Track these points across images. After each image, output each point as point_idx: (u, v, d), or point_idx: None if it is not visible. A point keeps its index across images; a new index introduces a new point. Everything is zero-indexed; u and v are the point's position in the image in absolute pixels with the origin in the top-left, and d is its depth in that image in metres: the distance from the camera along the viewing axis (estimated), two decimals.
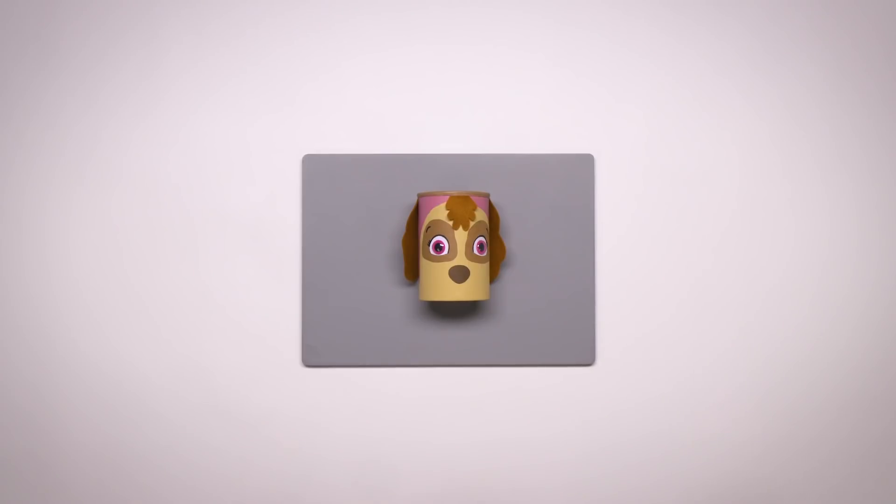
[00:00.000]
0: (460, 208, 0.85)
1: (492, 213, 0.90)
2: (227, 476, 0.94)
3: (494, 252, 0.91)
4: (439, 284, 0.86)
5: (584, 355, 0.93)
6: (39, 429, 0.94)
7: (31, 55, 0.95)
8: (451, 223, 0.85)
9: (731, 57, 0.94)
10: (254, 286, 0.95)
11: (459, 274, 0.85)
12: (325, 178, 0.94)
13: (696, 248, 0.94)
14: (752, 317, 0.94)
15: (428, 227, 0.86)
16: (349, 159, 0.94)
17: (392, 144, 0.95)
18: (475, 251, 0.86)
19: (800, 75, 0.94)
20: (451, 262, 0.85)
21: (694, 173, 0.94)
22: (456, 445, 0.94)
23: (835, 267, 0.94)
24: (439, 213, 0.86)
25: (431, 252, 0.86)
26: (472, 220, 0.86)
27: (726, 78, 0.94)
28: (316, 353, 0.93)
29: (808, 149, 0.94)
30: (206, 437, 0.94)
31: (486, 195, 0.88)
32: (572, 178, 0.94)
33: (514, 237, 0.94)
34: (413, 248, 0.90)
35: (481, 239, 0.86)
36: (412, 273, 0.91)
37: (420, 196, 0.88)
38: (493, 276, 0.92)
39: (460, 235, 0.85)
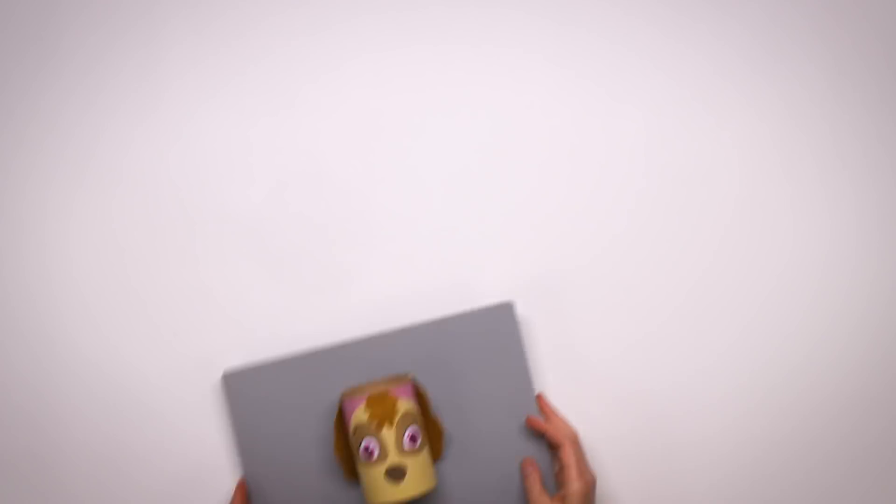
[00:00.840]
0: (379, 407, 0.81)
1: (419, 395, 0.87)
2: (229, 475, 0.93)
3: (432, 434, 0.88)
4: (379, 487, 0.82)
5: None
6: (39, 429, 0.94)
7: (31, 56, 0.95)
8: (374, 423, 0.82)
9: (731, 56, 0.94)
10: (254, 286, 0.94)
11: (395, 475, 0.81)
12: (248, 394, 0.89)
13: (696, 250, 0.93)
14: (752, 319, 0.93)
15: (354, 431, 0.83)
16: (269, 369, 0.89)
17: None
18: (406, 446, 0.82)
19: (800, 75, 0.94)
20: (384, 464, 0.81)
21: (693, 173, 0.93)
22: None
23: (835, 268, 0.93)
24: (360, 415, 0.82)
25: (362, 458, 0.82)
26: (397, 415, 0.82)
27: (725, 78, 0.94)
28: None
29: (809, 149, 0.93)
30: (208, 438, 0.94)
31: (409, 379, 0.84)
32: (495, 329, 0.89)
33: (450, 411, 0.89)
34: (346, 450, 0.87)
35: (412, 430, 0.82)
36: (353, 473, 0.88)
37: (342, 397, 0.84)
38: (437, 456, 0.89)
39: (387, 434, 0.81)
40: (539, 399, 0.89)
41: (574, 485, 0.82)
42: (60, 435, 0.94)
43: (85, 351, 0.94)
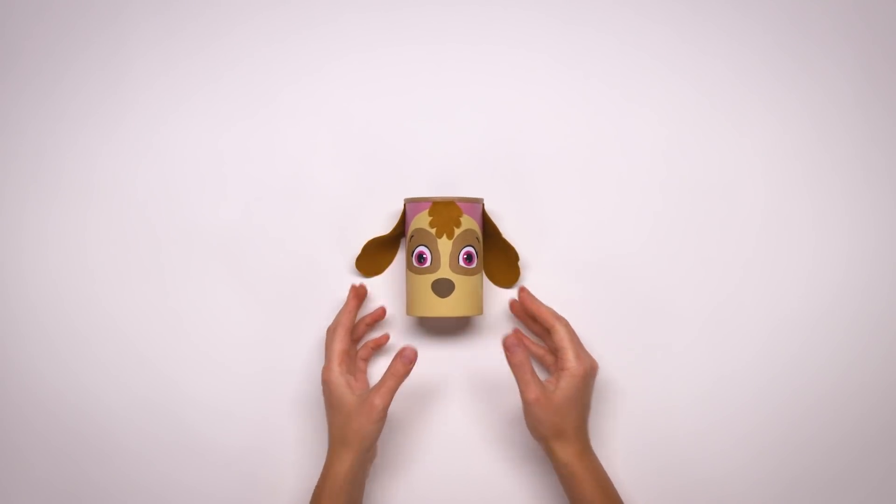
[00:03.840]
0: (442, 216, 0.81)
1: (487, 220, 0.86)
2: None
3: (508, 258, 0.87)
4: (422, 298, 0.82)
5: None
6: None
7: None
8: (433, 231, 0.81)
9: (751, 60, 0.91)
10: (228, 312, 0.91)
11: (442, 288, 0.81)
12: None
13: (718, 264, 0.91)
14: (772, 332, 0.90)
15: (412, 237, 0.83)
16: None
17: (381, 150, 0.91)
18: (461, 262, 0.82)
19: (824, 80, 0.91)
20: (433, 275, 0.81)
21: (713, 185, 0.91)
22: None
23: (858, 281, 0.90)
24: (422, 220, 0.82)
25: (415, 264, 0.82)
26: (458, 228, 0.82)
27: (745, 83, 0.91)
28: None
29: (832, 157, 0.91)
30: (177, 475, 0.91)
31: (480, 201, 0.84)
32: None
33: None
34: (379, 249, 0.88)
35: (469, 249, 0.82)
36: (367, 269, 0.89)
37: (406, 202, 0.84)
38: (515, 279, 0.88)
39: (444, 245, 0.81)
40: (522, 290, 0.86)
41: (571, 365, 0.79)
42: (21, 471, 0.91)
43: (48, 380, 0.91)
